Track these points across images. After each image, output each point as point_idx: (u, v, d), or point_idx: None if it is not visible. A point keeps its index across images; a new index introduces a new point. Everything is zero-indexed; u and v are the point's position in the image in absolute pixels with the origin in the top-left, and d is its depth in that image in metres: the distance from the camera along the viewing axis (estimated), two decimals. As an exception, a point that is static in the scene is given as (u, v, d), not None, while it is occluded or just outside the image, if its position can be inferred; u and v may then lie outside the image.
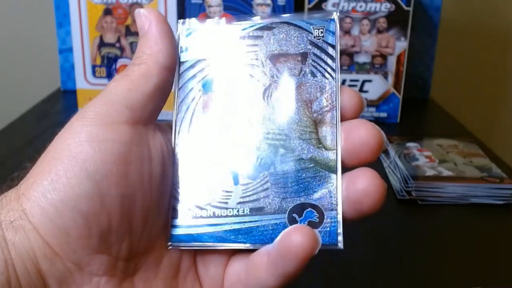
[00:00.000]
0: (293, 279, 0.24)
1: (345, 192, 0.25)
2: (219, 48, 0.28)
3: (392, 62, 0.82)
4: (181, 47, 0.28)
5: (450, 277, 0.46)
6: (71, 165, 0.23)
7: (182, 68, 0.28)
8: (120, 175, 0.24)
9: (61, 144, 0.24)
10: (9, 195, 0.24)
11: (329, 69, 0.27)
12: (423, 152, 0.67)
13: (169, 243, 0.26)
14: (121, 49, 0.81)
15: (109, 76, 0.81)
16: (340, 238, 0.25)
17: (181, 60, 0.28)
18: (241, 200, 0.26)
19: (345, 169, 0.26)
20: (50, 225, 0.23)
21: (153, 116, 0.26)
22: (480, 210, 0.57)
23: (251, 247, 0.26)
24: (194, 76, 0.28)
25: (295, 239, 0.23)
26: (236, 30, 0.28)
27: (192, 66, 0.28)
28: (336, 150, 0.26)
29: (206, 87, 0.27)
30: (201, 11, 0.84)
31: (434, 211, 0.57)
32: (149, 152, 0.25)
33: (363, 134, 0.25)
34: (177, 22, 0.28)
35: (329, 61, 0.27)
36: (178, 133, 0.27)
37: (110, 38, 0.80)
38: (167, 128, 0.28)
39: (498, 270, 0.48)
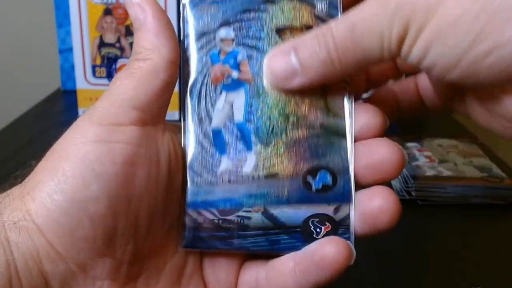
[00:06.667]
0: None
1: (361, 208, 0.25)
2: (224, 21, 0.27)
3: (392, 62, 0.82)
4: (186, 20, 0.27)
5: (450, 277, 0.46)
6: (78, 165, 0.22)
7: (187, 41, 0.27)
8: (128, 176, 0.23)
9: (68, 143, 0.23)
10: (13, 193, 0.23)
11: None
12: (423, 152, 0.67)
13: (182, 245, 0.26)
14: (121, 49, 0.81)
15: (109, 76, 0.81)
16: (353, 198, 0.26)
17: (186, 32, 0.27)
18: (257, 166, 0.26)
19: (368, 186, 0.26)
20: (55, 226, 0.22)
21: (162, 113, 0.25)
22: (480, 210, 0.57)
23: (266, 253, 0.26)
24: (200, 48, 0.27)
25: (330, 249, 0.24)
26: (240, 4, 0.28)
27: (197, 39, 0.27)
28: (345, 114, 0.26)
29: (213, 58, 0.27)
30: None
31: (434, 211, 0.57)
32: (157, 154, 0.24)
33: (385, 152, 0.25)
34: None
35: None
36: (189, 106, 0.27)
37: (110, 38, 0.80)
38: (175, 128, 0.27)
39: (498, 270, 0.48)
